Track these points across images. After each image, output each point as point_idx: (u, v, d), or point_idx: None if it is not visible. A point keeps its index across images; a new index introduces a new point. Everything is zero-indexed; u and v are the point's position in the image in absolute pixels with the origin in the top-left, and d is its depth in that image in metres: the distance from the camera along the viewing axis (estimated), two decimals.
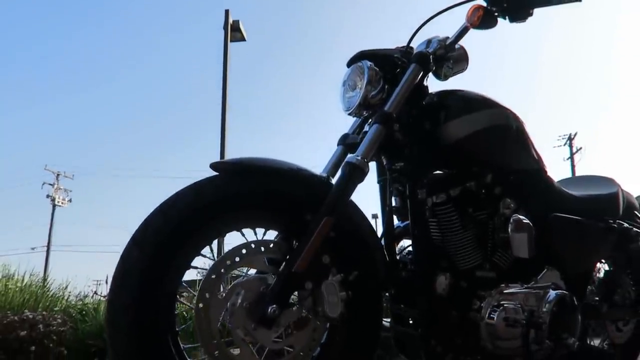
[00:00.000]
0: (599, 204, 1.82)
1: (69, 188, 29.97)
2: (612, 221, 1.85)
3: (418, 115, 1.43)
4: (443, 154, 1.45)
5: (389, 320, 1.50)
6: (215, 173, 1.20)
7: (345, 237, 1.23)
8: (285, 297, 1.10)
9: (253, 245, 1.15)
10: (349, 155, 1.26)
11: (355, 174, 1.23)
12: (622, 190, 1.96)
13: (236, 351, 1.10)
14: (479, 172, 1.50)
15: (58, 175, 29.42)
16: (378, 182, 1.52)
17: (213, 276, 1.10)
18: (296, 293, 1.14)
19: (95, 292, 5.56)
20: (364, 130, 1.46)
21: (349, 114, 1.45)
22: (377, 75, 1.40)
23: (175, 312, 1.10)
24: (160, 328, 1.05)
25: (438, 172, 1.45)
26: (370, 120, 1.44)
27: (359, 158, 1.24)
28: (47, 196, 28.62)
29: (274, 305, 1.07)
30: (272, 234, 1.28)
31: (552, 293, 1.50)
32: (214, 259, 1.18)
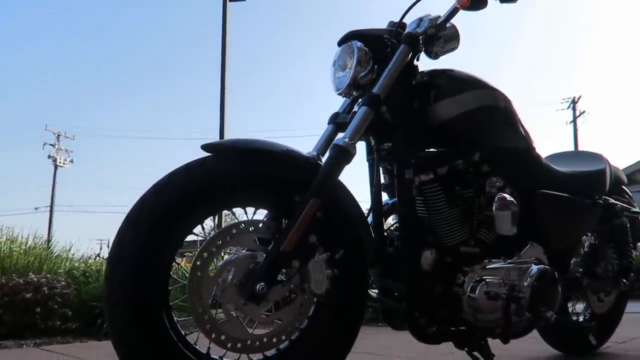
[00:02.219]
0: (586, 181, 1.86)
1: (70, 149, 29.98)
2: (598, 197, 1.89)
3: (407, 95, 1.45)
4: (431, 134, 1.48)
5: (376, 291, 1.57)
6: (207, 154, 1.24)
7: (333, 217, 1.27)
8: (273, 275, 1.15)
9: (243, 225, 1.20)
10: (337, 138, 1.29)
11: (343, 156, 1.26)
12: (610, 165, 1.99)
13: (227, 325, 1.16)
14: (466, 151, 1.53)
15: (59, 135, 29.38)
16: (367, 161, 1.55)
17: (204, 255, 1.15)
18: (284, 270, 1.19)
19: (98, 255, 5.67)
20: (353, 110, 1.48)
21: (339, 94, 1.47)
22: (367, 56, 1.41)
23: (169, 288, 1.15)
24: (155, 303, 1.11)
25: (426, 151, 1.48)
26: (359, 100, 1.46)
27: (347, 140, 1.27)
28: (49, 157, 28.69)
29: (262, 283, 1.13)
30: (262, 213, 1.33)
31: (533, 268, 1.55)
32: (205, 237, 1.23)
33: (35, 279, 3.71)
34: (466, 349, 1.52)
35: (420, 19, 1.48)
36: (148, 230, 1.10)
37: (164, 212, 1.12)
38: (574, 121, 24.38)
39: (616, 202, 1.96)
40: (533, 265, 1.57)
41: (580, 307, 2.14)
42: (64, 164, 29.16)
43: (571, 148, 23.59)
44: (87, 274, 4.93)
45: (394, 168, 1.45)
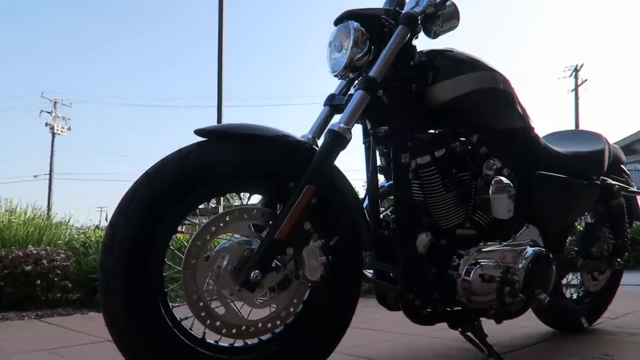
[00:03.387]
0: (585, 161, 1.85)
1: (67, 116, 29.77)
2: (596, 178, 1.88)
3: (405, 77, 1.42)
4: (429, 117, 1.45)
5: (371, 271, 1.57)
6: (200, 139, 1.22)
7: (328, 204, 1.26)
8: (268, 262, 1.15)
9: (237, 212, 1.19)
10: (332, 123, 1.27)
11: (338, 142, 1.24)
12: (609, 145, 1.97)
13: (222, 310, 1.17)
14: (464, 134, 1.52)
15: (55, 103, 29.12)
16: (363, 143, 1.54)
17: (198, 242, 1.15)
18: (279, 257, 1.19)
19: (97, 227, 5.70)
20: (349, 92, 1.45)
21: (335, 76, 1.44)
22: (364, 37, 1.38)
23: (164, 274, 1.16)
24: (149, 290, 1.11)
25: (423, 134, 1.46)
26: (355, 82, 1.43)
27: (342, 126, 1.25)
28: (46, 124, 28.52)
29: (257, 271, 1.13)
30: (257, 198, 1.32)
31: (528, 250, 1.56)
32: (199, 223, 1.22)
33: (34, 252, 3.74)
34: (460, 329, 1.54)
35: None
36: (140, 219, 1.09)
37: (156, 201, 1.11)
38: (576, 90, 24.16)
39: (614, 182, 1.96)
40: (528, 247, 1.57)
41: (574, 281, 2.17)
42: (61, 131, 29.02)
43: (572, 117, 23.45)
44: (87, 244, 4.97)
45: (390, 151, 1.44)
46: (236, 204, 1.27)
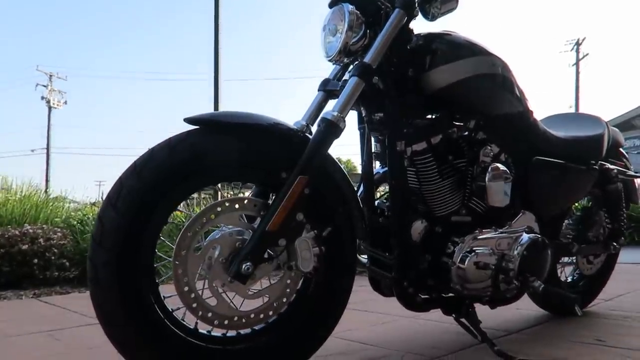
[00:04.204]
0: (583, 146, 1.82)
1: (63, 90, 29.49)
2: (594, 162, 1.86)
3: (401, 61, 1.38)
4: (425, 103, 1.42)
5: (365, 257, 1.57)
6: (190, 127, 1.19)
7: (321, 194, 1.24)
8: (259, 254, 1.14)
9: (228, 203, 1.17)
10: (325, 111, 1.24)
11: (331, 131, 1.21)
12: (608, 129, 1.95)
13: (213, 302, 1.16)
14: (461, 119, 1.49)
15: (51, 76, 28.80)
16: (359, 129, 1.51)
17: (189, 234, 1.13)
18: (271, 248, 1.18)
19: (94, 204, 5.69)
20: (344, 78, 1.42)
21: (329, 61, 1.40)
22: (359, 20, 1.33)
23: (155, 265, 1.14)
24: (140, 282, 1.10)
25: (418, 120, 1.43)
26: (350, 67, 1.39)
27: (335, 114, 1.22)
28: (42, 98, 28.26)
29: (249, 263, 1.12)
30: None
31: (524, 237, 1.55)
32: (190, 213, 1.21)
33: (31, 230, 3.74)
34: (454, 316, 1.54)
35: None
36: (129, 211, 1.07)
37: (144, 192, 1.09)
38: (577, 64, 23.93)
39: (612, 166, 1.94)
40: (524, 234, 1.56)
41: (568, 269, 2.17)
42: (57, 105, 28.79)
43: (572, 91, 23.28)
44: (84, 221, 4.97)
45: (385, 138, 1.41)
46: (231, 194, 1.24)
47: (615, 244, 2.02)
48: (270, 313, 1.22)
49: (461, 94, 1.43)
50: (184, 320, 1.18)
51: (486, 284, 1.49)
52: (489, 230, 1.51)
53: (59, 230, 3.96)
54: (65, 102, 29.36)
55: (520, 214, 1.60)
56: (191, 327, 1.18)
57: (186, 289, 1.13)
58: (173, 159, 1.12)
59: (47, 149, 26.63)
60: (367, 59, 1.28)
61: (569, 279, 2.16)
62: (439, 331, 1.83)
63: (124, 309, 1.08)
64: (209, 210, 1.16)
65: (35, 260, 3.55)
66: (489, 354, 1.47)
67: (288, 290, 1.24)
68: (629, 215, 2.16)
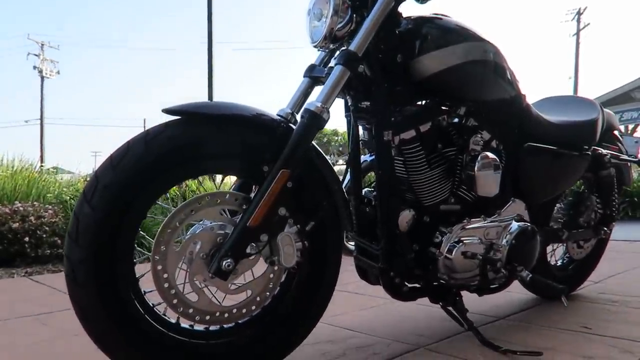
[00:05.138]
0: (577, 131, 1.79)
1: (55, 59, 28.99)
2: (587, 147, 1.83)
3: (389, 47, 1.33)
4: (413, 90, 1.38)
5: (352, 244, 1.55)
6: (170, 118, 1.15)
7: (305, 186, 1.21)
8: (241, 250, 1.11)
9: (208, 198, 1.14)
10: (308, 102, 1.19)
11: (314, 122, 1.17)
12: (602, 112, 1.91)
13: (194, 297, 1.14)
14: (451, 106, 1.45)
15: (43, 45, 28.27)
16: (345, 117, 1.46)
17: (168, 230, 1.10)
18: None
19: (86, 179, 5.64)
20: (330, 65, 1.36)
21: (315, 47, 1.34)
22: (345, 4, 1.27)
23: (135, 261, 1.12)
24: (118, 279, 1.07)
25: (406, 108, 1.39)
26: (336, 54, 1.34)
27: (319, 105, 1.17)
28: (34, 67, 27.82)
29: (229, 260, 1.09)
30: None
31: (513, 225, 1.53)
32: (170, 207, 1.18)
33: (21, 208, 3.71)
34: (441, 304, 1.53)
35: None
36: (106, 207, 1.04)
37: (121, 187, 1.05)
38: (577, 34, 23.60)
39: (605, 151, 1.90)
40: (513, 222, 1.55)
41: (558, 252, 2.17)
42: (50, 75, 28.36)
43: (572, 62, 23.04)
44: (76, 197, 4.94)
45: (372, 126, 1.37)
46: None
47: (606, 228, 2.01)
48: (254, 307, 1.21)
49: (452, 80, 1.38)
50: (165, 315, 1.16)
51: (474, 274, 1.48)
52: (477, 219, 1.49)
53: (50, 207, 3.94)
54: (58, 72, 28.94)
55: (510, 202, 1.58)
56: (173, 321, 1.16)
57: (166, 285, 1.11)
58: (150, 152, 1.08)
59: (41, 119, 26.36)
60: (353, 46, 1.23)
61: (559, 262, 2.16)
62: (427, 316, 1.83)
63: (102, 307, 1.06)
64: (189, 205, 1.12)
65: (27, 239, 3.54)
66: (476, 342, 1.47)
67: (271, 284, 1.22)
68: (623, 190, 2.13)
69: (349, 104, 1.40)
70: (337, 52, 1.36)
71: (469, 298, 1.53)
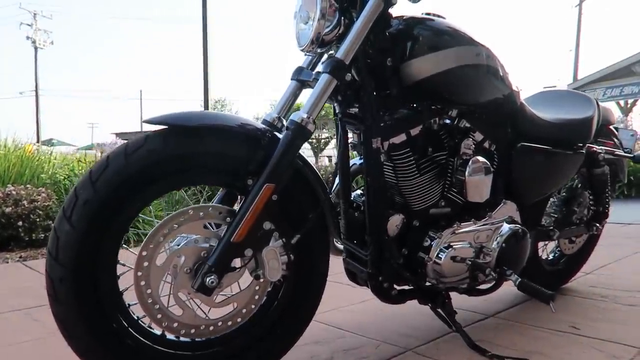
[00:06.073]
0: (571, 129, 1.76)
1: (48, 29, 28.47)
2: (581, 145, 1.80)
3: (378, 50, 1.29)
4: (403, 94, 1.34)
5: (342, 247, 1.54)
6: (152, 128, 1.12)
7: (291, 197, 1.19)
8: (224, 266, 1.10)
9: (191, 212, 1.12)
10: (294, 113, 1.16)
11: (299, 134, 1.14)
12: (598, 109, 1.87)
13: (179, 311, 1.14)
14: (442, 110, 1.41)
15: (35, 14, 27.70)
16: (334, 120, 1.43)
17: (151, 245, 1.08)
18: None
19: (80, 160, 5.61)
20: (317, 70, 1.32)
21: (302, 50, 1.30)
22: (332, 7, 1.23)
23: (118, 274, 1.11)
24: (101, 295, 1.06)
25: (396, 112, 1.35)
26: (324, 58, 1.30)
27: (304, 116, 1.14)
28: (27, 38, 27.33)
29: (213, 276, 1.08)
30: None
31: (504, 228, 1.52)
32: (153, 219, 1.16)
33: (14, 192, 3.68)
34: (430, 305, 1.53)
35: None
36: (85, 225, 1.02)
37: (100, 204, 1.03)
38: (580, 5, 23.20)
39: (599, 149, 1.88)
40: (504, 224, 1.53)
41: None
42: (43, 45, 27.89)
43: (574, 33, 22.67)
44: (70, 177, 4.92)
45: (361, 132, 1.34)
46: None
47: (598, 225, 2.00)
48: (239, 320, 1.21)
49: (443, 84, 1.34)
50: (150, 328, 1.16)
51: (463, 277, 1.48)
52: (468, 223, 1.48)
53: (43, 190, 3.91)
54: (52, 43, 28.46)
55: (502, 204, 1.56)
56: (158, 333, 1.16)
57: (150, 300, 1.10)
58: (130, 167, 1.06)
59: (36, 91, 26.06)
60: (340, 53, 1.19)
61: (550, 257, 2.16)
62: (416, 312, 1.83)
63: (85, 324, 1.05)
64: (171, 220, 1.11)
65: (20, 223, 3.53)
66: (464, 344, 1.47)
67: (257, 297, 1.21)
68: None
69: (337, 111, 1.36)
70: (325, 57, 1.32)
71: (458, 294, 1.53)
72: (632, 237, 3.59)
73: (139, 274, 1.08)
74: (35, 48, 27.36)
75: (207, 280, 1.08)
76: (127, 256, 1.16)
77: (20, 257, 3.31)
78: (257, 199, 1.10)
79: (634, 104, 17.21)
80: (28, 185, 3.95)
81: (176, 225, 1.11)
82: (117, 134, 22.41)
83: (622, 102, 17.04)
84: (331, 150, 13.19)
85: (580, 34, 22.79)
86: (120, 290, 1.11)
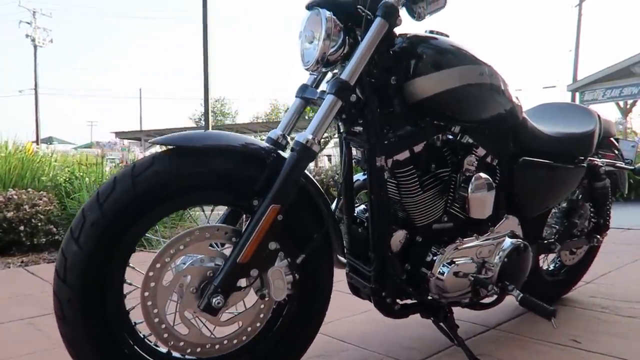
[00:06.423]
0: (573, 143, 1.77)
1: (48, 27, 28.42)
2: (583, 159, 1.81)
3: (382, 69, 1.30)
4: (407, 112, 1.34)
5: (345, 261, 1.55)
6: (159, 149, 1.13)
7: (296, 215, 1.20)
8: (230, 286, 1.11)
9: (197, 232, 1.13)
10: (299, 134, 1.17)
11: (304, 155, 1.15)
12: (600, 121, 1.88)
13: (185, 330, 1.15)
14: (445, 127, 1.42)
15: (34, 12, 27.65)
16: (338, 138, 1.44)
17: (157, 265, 1.09)
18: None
19: (80, 162, 5.61)
20: (321, 89, 1.33)
21: (307, 70, 1.31)
22: (337, 28, 1.23)
23: (125, 293, 1.12)
24: (109, 315, 1.07)
25: (399, 130, 1.36)
26: (328, 78, 1.31)
27: (310, 137, 1.15)
28: (27, 36, 27.29)
29: (219, 297, 1.09)
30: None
31: (506, 243, 1.53)
32: (160, 238, 1.17)
33: (15, 196, 3.69)
34: (432, 319, 1.54)
35: None
36: (92, 245, 1.03)
37: (109, 224, 1.04)
38: (580, 5, 23.20)
39: (600, 162, 1.89)
40: (507, 239, 1.54)
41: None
42: (43, 43, 27.85)
43: (574, 33, 22.69)
44: (71, 180, 4.92)
45: (365, 150, 1.35)
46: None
47: (598, 237, 2.01)
48: (244, 338, 1.22)
49: (446, 103, 1.35)
50: (156, 346, 1.17)
51: (465, 292, 1.48)
52: (470, 238, 1.49)
53: (44, 194, 3.92)
54: (51, 41, 28.42)
55: (504, 219, 1.57)
56: (164, 352, 1.17)
57: (156, 320, 1.11)
58: (137, 188, 1.07)
59: (35, 89, 26.02)
60: (345, 75, 1.20)
61: (550, 267, 2.17)
62: (419, 323, 1.83)
63: (92, 343, 1.06)
64: (177, 241, 1.12)
65: (22, 227, 3.54)
66: (465, 358, 1.48)
67: (262, 315, 1.22)
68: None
69: (341, 130, 1.37)
70: (329, 76, 1.33)
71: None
72: (632, 244, 3.60)
73: (146, 294, 1.09)
74: (35, 46, 27.32)
75: (214, 300, 1.09)
76: (134, 275, 1.17)
77: (22, 261, 3.32)
78: (263, 220, 1.11)
79: (633, 104, 17.22)
80: (29, 190, 3.96)
81: (182, 247, 1.12)
82: (117, 133, 22.41)
83: (621, 103, 17.07)
84: (331, 149, 13.14)
85: (580, 35, 22.81)
86: (127, 309, 1.13)
